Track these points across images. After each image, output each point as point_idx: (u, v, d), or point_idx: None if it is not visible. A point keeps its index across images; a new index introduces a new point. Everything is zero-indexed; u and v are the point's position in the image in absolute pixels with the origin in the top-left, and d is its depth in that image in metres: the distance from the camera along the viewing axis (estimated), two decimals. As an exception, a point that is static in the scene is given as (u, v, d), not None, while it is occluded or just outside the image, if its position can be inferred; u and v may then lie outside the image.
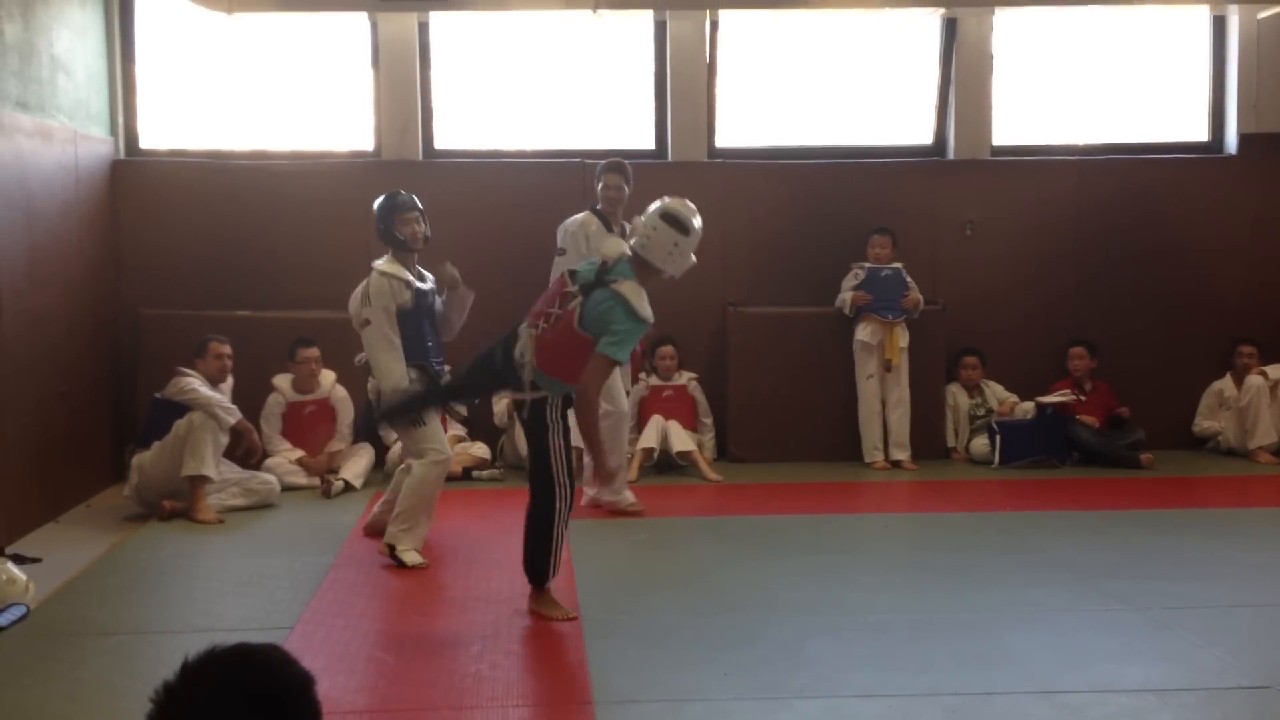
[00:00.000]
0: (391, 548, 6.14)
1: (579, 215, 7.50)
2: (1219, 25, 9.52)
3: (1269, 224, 9.40)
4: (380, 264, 6.40)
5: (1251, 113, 9.41)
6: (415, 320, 6.36)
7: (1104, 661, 4.72)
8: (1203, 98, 9.61)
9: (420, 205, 6.50)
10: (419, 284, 6.42)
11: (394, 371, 6.21)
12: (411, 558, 6.10)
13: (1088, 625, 5.18)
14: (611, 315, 5.02)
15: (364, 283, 6.41)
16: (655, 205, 5.24)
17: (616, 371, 6.97)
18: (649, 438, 8.42)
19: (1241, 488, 8.24)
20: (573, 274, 5.24)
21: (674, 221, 5.15)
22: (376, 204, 6.50)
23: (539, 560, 5.25)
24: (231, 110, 9.15)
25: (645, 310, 5.06)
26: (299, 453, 8.10)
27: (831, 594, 5.70)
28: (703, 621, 5.25)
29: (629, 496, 7.29)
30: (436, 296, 6.55)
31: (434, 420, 6.30)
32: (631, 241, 5.25)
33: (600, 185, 7.49)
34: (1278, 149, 9.37)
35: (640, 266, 5.16)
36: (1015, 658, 4.78)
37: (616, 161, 7.59)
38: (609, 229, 7.33)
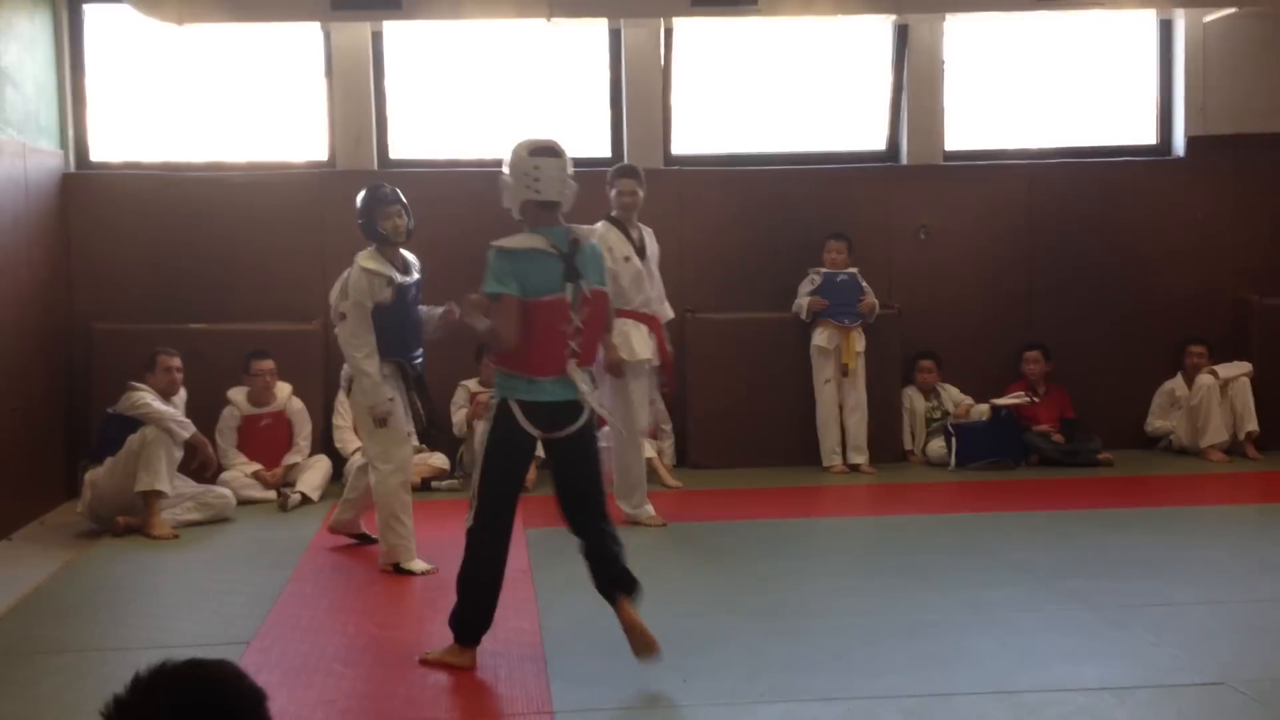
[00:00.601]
0: (395, 566, 6.21)
1: (595, 225, 7.33)
2: (1165, 29, 9.64)
3: (1217, 225, 9.53)
4: (363, 258, 6.26)
5: (1199, 115, 9.53)
6: (396, 316, 6.26)
7: (1060, 661, 4.76)
8: (1150, 101, 9.74)
9: (403, 198, 6.41)
10: (402, 278, 6.30)
11: (367, 369, 6.16)
12: (416, 565, 6.20)
13: (1044, 625, 5.23)
14: (600, 252, 4.95)
15: (344, 275, 6.31)
16: (518, 147, 4.85)
17: (641, 394, 7.13)
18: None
19: (1194, 486, 8.34)
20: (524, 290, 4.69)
21: (550, 151, 4.81)
22: (359, 197, 6.40)
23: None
24: (183, 122, 9.08)
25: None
26: (255, 466, 8.04)
27: (790, 598, 5.72)
28: (661, 627, 5.21)
29: (649, 509, 7.26)
30: (419, 290, 6.46)
31: (399, 426, 6.27)
32: (526, 196, 4.79)
33: (614, 191, 7.24)
34: (1225, 151, 9.50)
35: (543, 211, 4.80)
36: (972, 658, 4.82)
37: (629, 166, 7.44)
38: (627, 236, 7.23)
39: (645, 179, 7.37)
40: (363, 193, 6.42)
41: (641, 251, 7.28)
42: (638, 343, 7.12)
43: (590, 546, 4.79)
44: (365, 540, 6.76)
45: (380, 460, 6.24)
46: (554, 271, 4.70)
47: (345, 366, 6.46)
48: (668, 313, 7.50)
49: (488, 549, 4.75)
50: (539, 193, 4.76)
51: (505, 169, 4.87)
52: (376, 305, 6.19)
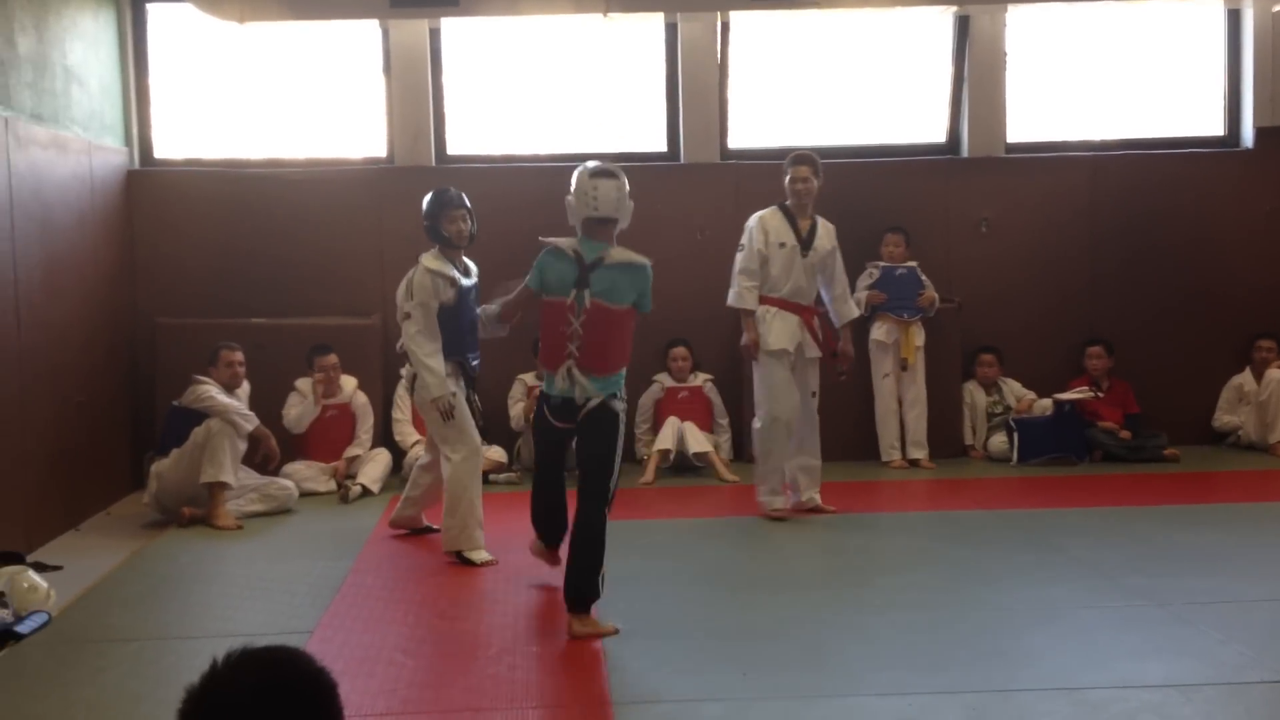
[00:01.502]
0: (457, 553, 6.26)
1: (762, 210, 7.28)
2: (1234, 18, 9.47)
3: (1287, 217, 9.36)
4: (427, 259, 6.37)
5: (1268, 106, 9.36)
6: (456, 317, 6.36)
7: (1125, 658, 4.69)
8: (1218, 92, 9.57)
9: (468, 203, 6.51)
10: (463, 280, 6.41)
11: (432, 366, 6.23)
12: (479, 556, 6.24)
13: (1108, 622, 5.15)
14: (640, 278, 5.33)
15: (409, 275, 6.40)
16: (581, 171, 5.38)
17: (778, 382, 7.07)
18: (665, 439, 8.43)
19: (1262, 482, 8.19)
20: (542, 286, 5.38)
21: (608, 174, 5.35)
22: (425, 200, 6.52)
23: (592, 578, 5.13)
24: (245, 119, 9.18)
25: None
26: (308, 392, 8.17)
27: (850, 593, 5.69)
28: (720, 621, 5.24)
29: (775, 502, 7.22)
30: (478, 293, 6.54)
31: (465, 414, 6.33)
32: (586, 213, 5.32)
33: (787, 179, 7.20)
34: (1294, 142, 9.32)
35: (598, 226, 5.33)
36: (1035, 655, 4.76)
37: (803, 153, 7.29)
38: (794, 225, 7.15)
39: (821, 167, 7.21)
40: (429, 196, 6.53)
41: (807, 242, 7.15)
42: (775, 331, 7.06)
43: (572, 532, 5.28)
44: (426, 531, 6.84)
45: (452, 451, 6.29)
46: (568, 276, 5.30)
47: (407, 365, 6.54)
48: (849, 312, 7.33)
49: (535, 497, 5.74)
50: (596, 209, 5.32)
51: (571, 195, 5.41)
52: (441, 305, 6.28)
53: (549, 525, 5.74)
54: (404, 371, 6.80)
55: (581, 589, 5.10)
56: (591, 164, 5.45)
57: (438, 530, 6.54)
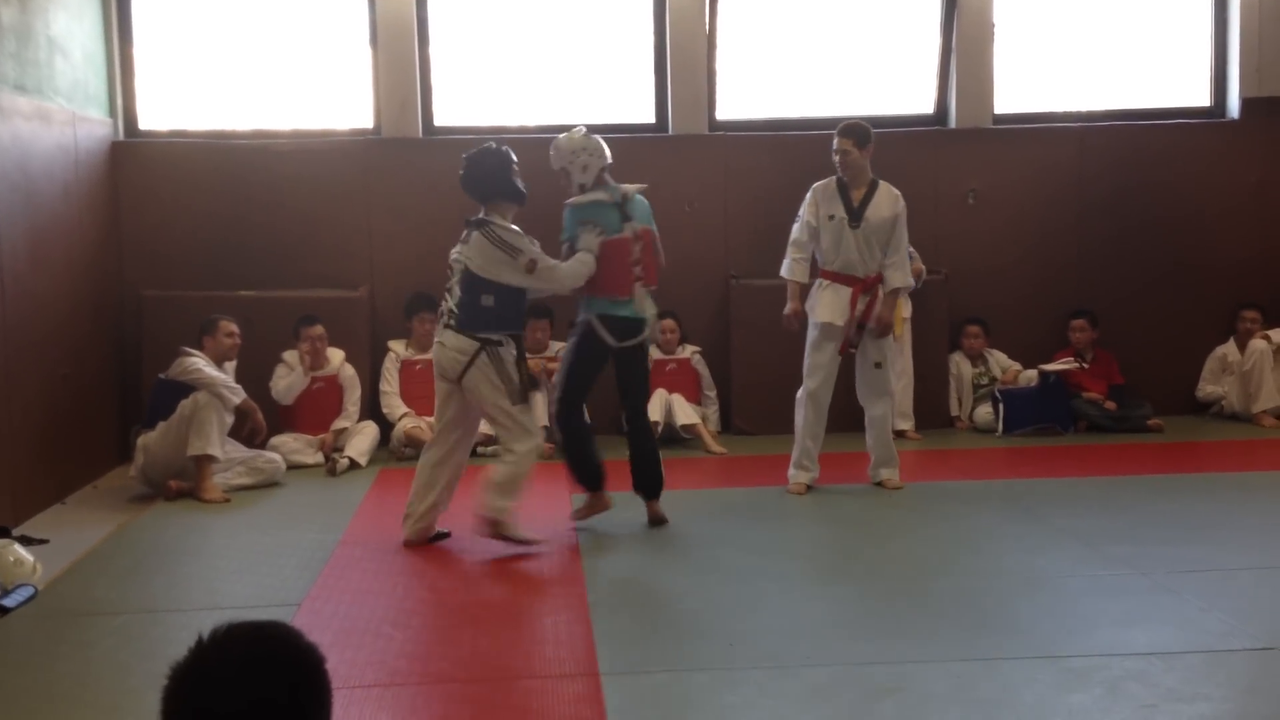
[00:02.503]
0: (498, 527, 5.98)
1: (818, 182, 7.16)
2: (1220, -11, 9.48)
3: (1272, 188, 9.38)
4: (500, 219, 6.04)
5: (1254, 77, 9.36)
6: (518, 290, 6.02)
7: (1108, 626, 4.73)
8: (1205, 62, 9.57)
9: None
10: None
11: (585, 258, 6.14)
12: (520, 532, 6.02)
13: (1092, 590, 5.19)
14: (649, 209, 6.54)
15: (485, 239, 5.94)
16: (578, 134, 6.37)
17: (821, 355, 7.19)
18: (653, 411, 8.42)
19: (1245, 451, 8.24)
20: (586, 227, 6.24)
21: (590, 139, 6.36)
22: (478, 156, 6.16)
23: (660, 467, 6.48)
24: (230, 90, 9.13)
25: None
26: (295, 364, 8.14)
27: (835, 563, 5.72)
28: (707, 592, 5.27)
29: (794, 477, 7.20)
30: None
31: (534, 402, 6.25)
32: (604, 163, 6.33)
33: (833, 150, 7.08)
34: (1280, 113, 9.33)
35: (605, 174, 6.40)
36: (1020, 624, 4.80)
37: (849, 124, 7.10)
38: (845, 196, 6.99)
39: (867, 137, 7.03)
40: (485, 151, 6.19)
41: (857, 214, 6.98)
42: (824, 304, 6.99)
43: (630, 445, 6.43)
44: (440, 538, 6.22)
45: (516, 443, 5.98)
46: (616, 218, 6.28)
47: (446, 300, 6.03)
48: (892, 280, 7.04)
49: (578, 434, 6.33)
50: (609, 158, 6.38)
51: (586, 154, 6.30)
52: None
53: (594, 463, 6.30)
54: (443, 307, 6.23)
55: (659, 478, 6.42)
56: (579, 128, 6.44)
57: (448, 535, 6.21)
